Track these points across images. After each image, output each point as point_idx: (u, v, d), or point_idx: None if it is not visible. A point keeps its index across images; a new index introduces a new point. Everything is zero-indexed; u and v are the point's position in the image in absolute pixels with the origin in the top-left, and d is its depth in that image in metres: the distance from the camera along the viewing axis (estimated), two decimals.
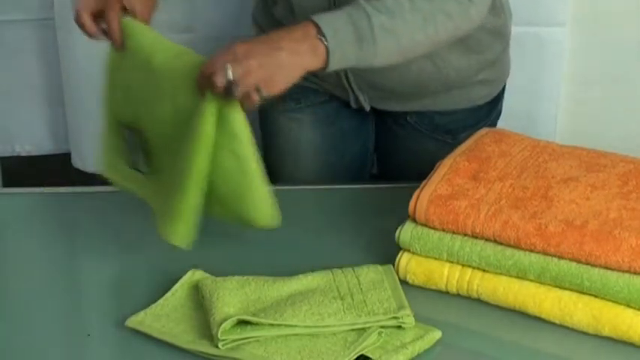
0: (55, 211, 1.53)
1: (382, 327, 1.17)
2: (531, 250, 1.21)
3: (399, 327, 1.18)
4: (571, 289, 1.20)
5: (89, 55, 2.00)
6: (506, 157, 1.34)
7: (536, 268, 1.21)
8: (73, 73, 2.04)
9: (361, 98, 1.58)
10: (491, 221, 1.23)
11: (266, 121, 1.69)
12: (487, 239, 1.24)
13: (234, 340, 1.14)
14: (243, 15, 1.98)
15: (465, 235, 1.25)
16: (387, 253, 1.31)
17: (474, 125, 1.61)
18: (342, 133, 1.65)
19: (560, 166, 1.32)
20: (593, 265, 1.18)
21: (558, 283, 1.20)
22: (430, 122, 1.51)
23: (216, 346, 1.13)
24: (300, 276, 1.26)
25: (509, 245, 1.22)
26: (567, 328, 1.20)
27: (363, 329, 1.17)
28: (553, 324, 1.21)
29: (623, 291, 1.16)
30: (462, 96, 1.58)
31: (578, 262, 1.18)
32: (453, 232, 1.25)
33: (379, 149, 1.73)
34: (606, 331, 1.18)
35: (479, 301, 1.25)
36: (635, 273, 1.16)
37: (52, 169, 2.16)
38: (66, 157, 2.17)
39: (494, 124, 1.68)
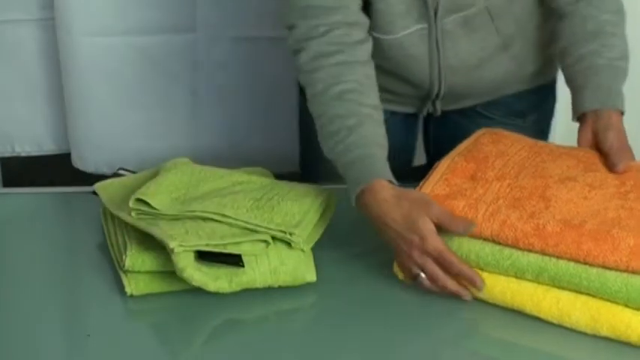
0: (55, 211, 1.53)
1: (274, 239, 1.27)
2: (529, 250, 1.21)
3: (289, 246, 1.27)
4: (569, 289, 1.20)
5: (89, 55, 2.01)
6: (504, 157, 1.34)
7: (535, 268, 1.21)
8: (73, 73, 2.04)
9: (438, 107, 1.58)
10: (489, 221, 1.23)
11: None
12: (485, 239, 1.24)
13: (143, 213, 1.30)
14: (244, 15, 1.99)
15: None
16: (387, 253, 1.31)
17: (540, 105, 1.63)
18: (392, 142, 1.61)
19: (557, 166, 1.32)
20: (592, 265, 1.18)
21: (556, 283, 1.20)
22: (504, 107, 1.51)
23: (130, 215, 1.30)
24: (244, 170, 1.42)
25: (507, 245, 1.22)
26: (566, 328, 1.20)
27: (256, 231, 1.26)
28: (551, 324, 1.21)
29: (621, 290, 1.16)
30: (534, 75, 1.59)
31: (577, 261, 1.18)
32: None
33: (434, 144, 1.69)
34: (604, 331, 1.18)
35: (478, 302, 1.25)
36: (633, 272, 1.16)
37: (52, 169, 2.16)
38: (66, 157, 2.17)
39: (554, 105, 1.70)
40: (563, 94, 2.05)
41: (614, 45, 1.42)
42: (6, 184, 2.16)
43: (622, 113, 1.38)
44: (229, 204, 1.30)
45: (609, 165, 1.32)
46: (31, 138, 2.16)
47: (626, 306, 1.17)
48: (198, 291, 1.23)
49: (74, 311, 1.30)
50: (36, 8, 2.04)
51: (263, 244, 1.26)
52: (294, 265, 1.27)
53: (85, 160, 2.13)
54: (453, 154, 1.37)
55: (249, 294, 1.26)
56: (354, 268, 1.34)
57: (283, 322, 1.26)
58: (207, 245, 1.23)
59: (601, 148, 1.35)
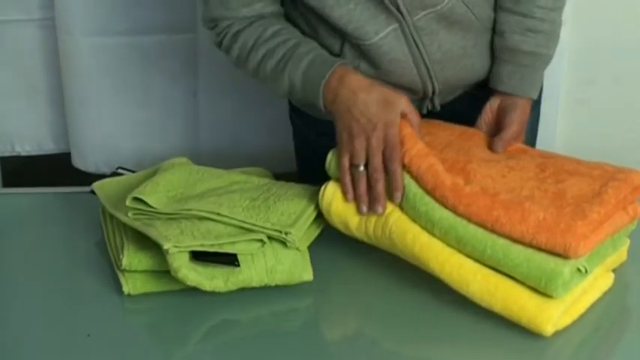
0: (55, 211, 1.54)
1: (270, 238, 1.26)
2: (443, 204, 1.23)
3: (285, 245, 1.26)
4: (473, 256, 1.21)
5: (89, 55, 2.01)
6: (432, 136, 1.36)
7: (444, 225, 1.22)
8: (73, 73, 2.04)
9: (436, 103, 1.57)
10: (419, 159, 1.27)
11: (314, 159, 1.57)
12: (410, 175, 1.27)
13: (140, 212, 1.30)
14: None
15: None
16: (385, 252, 1.30)
17: None
18: None
19: (483, 151, 1.35)
20: (499, 234, 1.19)
21: (462, 246, 1.21)
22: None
23: (126, 214, 1.30)
24: (239, 170, 1.43)
25: (427, 191, 1.25)
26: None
27: (251, 230, 1.26)
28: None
29: (522, 265, 1.16)
30: None
31: (485, 227, 1.19)
32: None
33: None
34: (498, 308, 1.18)
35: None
36: (537, 248, 1.16)
37: (52, 169, 2.16)
38: (66, 157, 2.17)
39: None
40: (562, 95, 2.06)
41: (542, 31, 1.46)
42: (6, 184, 2.16)
43: (533, 100, 1.47)
44: (225, 203, 1.30)
45: (496, 138, 1.38)
46: (31, 137, 2.16)
47: (525, 283, 1.17)
48: (194, 290, 1.24)
49: (72, 310, 1.30)
50: (36, 8, 2.05)
51: (258, 244, 1.26)
52: (291, 265, 1.26)
53: (84, 160, 2.13)
54: None
55: (245, 294, 1.26)
56: (351, 267, 1.34)
57: (279, 321, 1.26)
58: (201, 245, 1.23)
59: (501, 122, 1.42)
